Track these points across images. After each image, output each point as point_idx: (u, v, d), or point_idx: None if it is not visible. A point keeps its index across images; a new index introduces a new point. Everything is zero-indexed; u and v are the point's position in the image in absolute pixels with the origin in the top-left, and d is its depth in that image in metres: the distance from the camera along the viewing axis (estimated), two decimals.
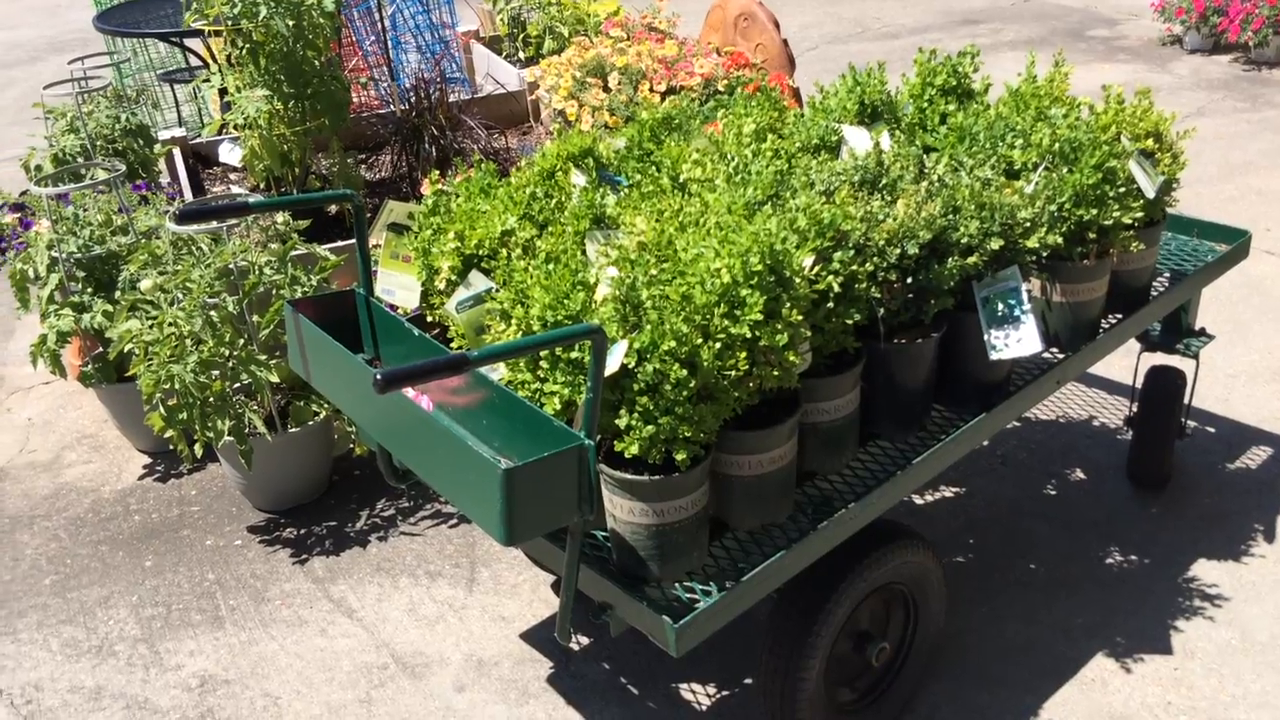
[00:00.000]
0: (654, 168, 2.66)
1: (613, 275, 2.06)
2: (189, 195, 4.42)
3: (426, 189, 2.63)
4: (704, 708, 2.67)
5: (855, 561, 2.30)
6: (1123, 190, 2.50)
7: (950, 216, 2.28)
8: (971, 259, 2.25)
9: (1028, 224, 2.33)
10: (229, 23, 3.95)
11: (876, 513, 2.24)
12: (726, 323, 1.94)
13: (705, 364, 1.90)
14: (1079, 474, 3.43)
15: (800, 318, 1.98)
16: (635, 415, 1.91)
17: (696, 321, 1.92)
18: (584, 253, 2.29)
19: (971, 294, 2.37)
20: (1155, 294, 2.89)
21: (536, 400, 2.05)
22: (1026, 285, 2.66)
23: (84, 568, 3.36)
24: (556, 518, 1.83)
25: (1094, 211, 2.46)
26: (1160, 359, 3.35)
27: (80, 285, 3.66)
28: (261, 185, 4.52)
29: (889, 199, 2.36)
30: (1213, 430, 3.62)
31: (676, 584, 2.05)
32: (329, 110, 4.15)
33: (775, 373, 2.01)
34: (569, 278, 2.07)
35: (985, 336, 2.33)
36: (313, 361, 2.27)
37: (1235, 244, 3.09)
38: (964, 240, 2.25)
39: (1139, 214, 2.52)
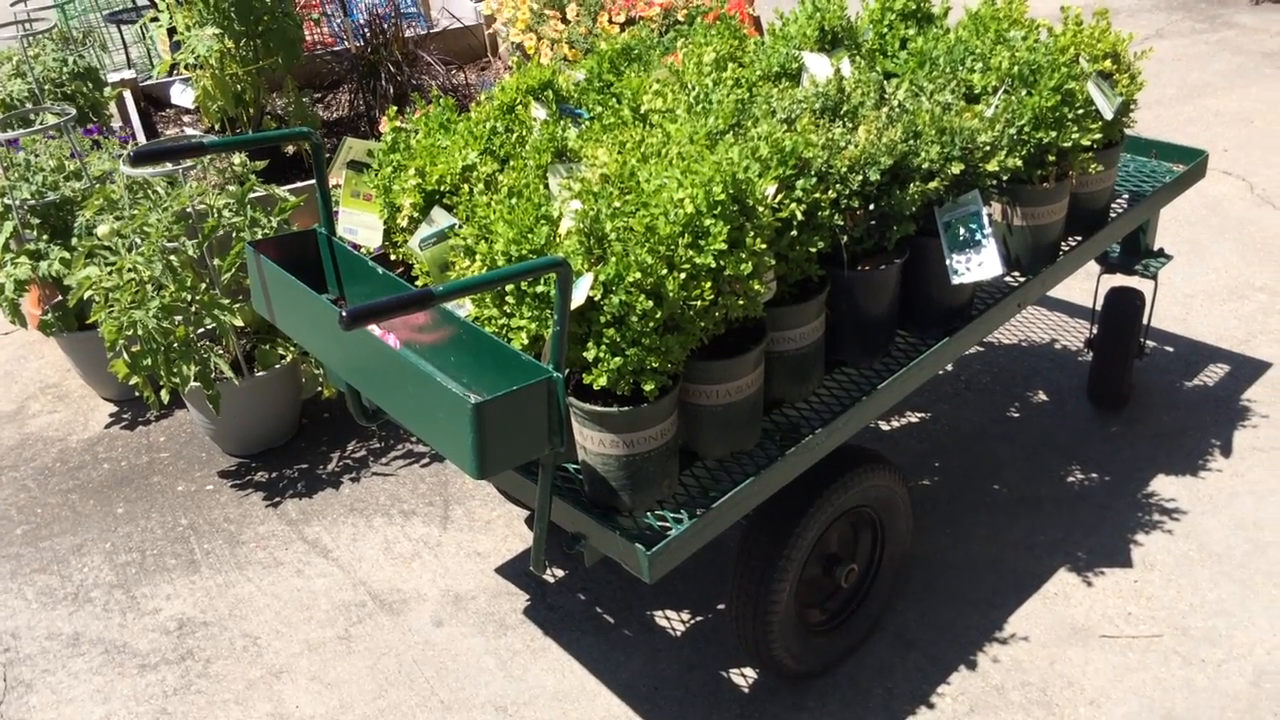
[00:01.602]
0: (615, 99, 2.65)
1: (576, 208, 2.06)
2: (142, 138, 4.34)
3: (385, 126, 2.60)
4: (679, 634, 2.72)
5: (823, 486, 2.34)
6: (1081, 112, 2.51)
7: (911, 142, 2.29)
8: (933, 184, 2.26)
9: (987, 147, 2.34)
10: None
11: (842, 438, 2.27)
12: (691, 253, 1.94)
13: (671, 294, 1.90)
14: (1041, 396, 3.49)
15: (764, 246, 1.99)
16: (603, 347, 1.92)
17: (661, 252, 1.92)
18: (546, 186, 2.28)
19: (934, 219, 2.38)
20: (1114, 215, 2.92)
21: (504, 336, 2.05)
22: (987, 209, 2.69)
23: (55, 516, 3.35)
24: (527, 450, 1.84)
25: (1053, 134, 2.48)
26: (1120, 280, 3.40)
27: (35, 232, 3.60)
28: (216, 126, 4.45)
29: (850, 126, 2.36)
30: (1171, 349, 3.68)
31: (648, 513, 2.07)
32: (281, 48, 4.09)
33: (740, 302, 2.02)
34: (532, 211, 2.06)
35: (947, 261, 2.35)
36: (276, 303, 2.25)
37: (1192, 164, 3.12)
38: (925, 165, 2.26)
39: (1097, 136, 2.53)
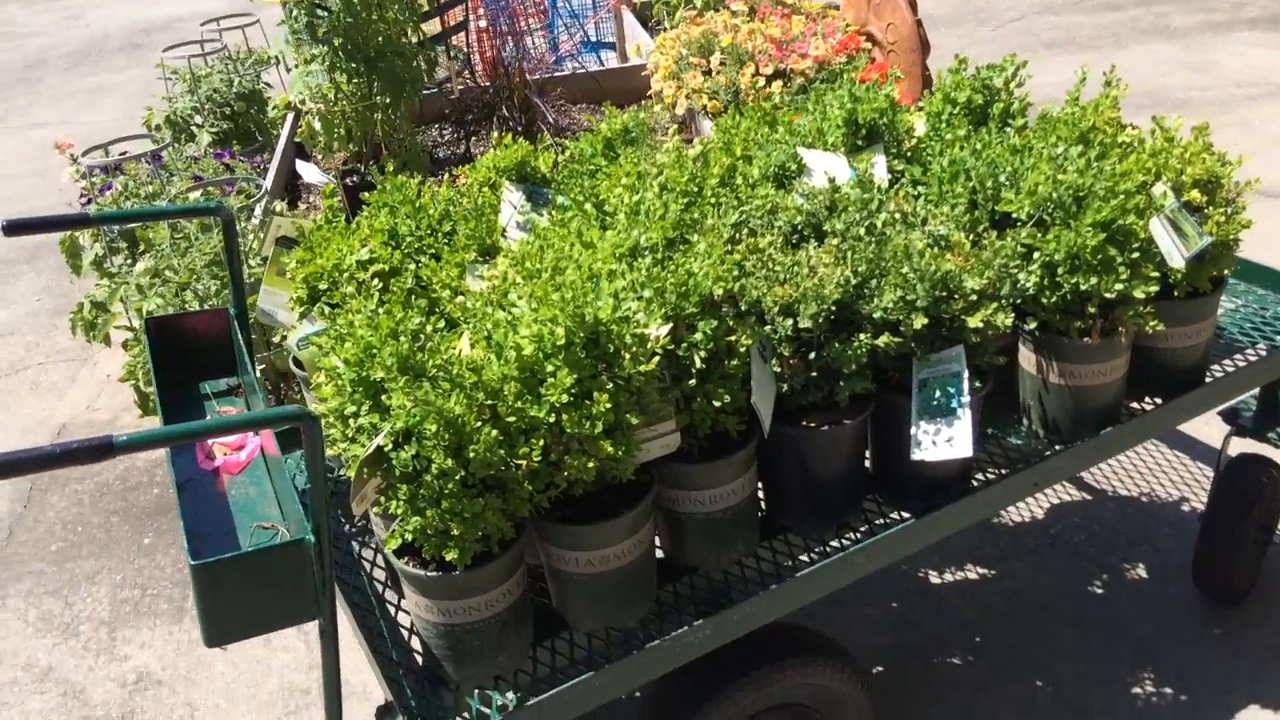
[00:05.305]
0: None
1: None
2: (275, 166, 4.41)
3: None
4: None
5: (727, 681, 1.94)
6: (1136, 256, 1.97)
7: (874, 283, 1.85)
8: (883, 339, 1.81)
9: (975, 296, 1.86)
10: None
11: (730, 636, 1.86)
12: (524, 404, 1.63)
13: (477, 454, 1.59)
14: (1140, 571, 2.86)
15: (608, 406, 1.64)
16: (397, 503, 1.64)
17: (479, 400, 1.62)
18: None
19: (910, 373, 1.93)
20: (1224, 373, 2.31)
21: (344, 459, 1.81)
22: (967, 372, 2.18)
23: (89, 538, 3.41)
24: (280, 617, 1.59)
25: (1093, 280, 1.95)
26: (1251, 446, 2.72)
27: (124, 255, 3.70)
28: (340, 162, 4.47)
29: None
30: None
31: (477, 690, 1.77)
32: (389, 86, 4.02)
33: (590, 464, 1.68)
34: (387, 324, 1.80)
35: (913, 428, 1.89)
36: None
37: None
38: (878, 314, 1.82)
39: (1154, 288, 1.97)
